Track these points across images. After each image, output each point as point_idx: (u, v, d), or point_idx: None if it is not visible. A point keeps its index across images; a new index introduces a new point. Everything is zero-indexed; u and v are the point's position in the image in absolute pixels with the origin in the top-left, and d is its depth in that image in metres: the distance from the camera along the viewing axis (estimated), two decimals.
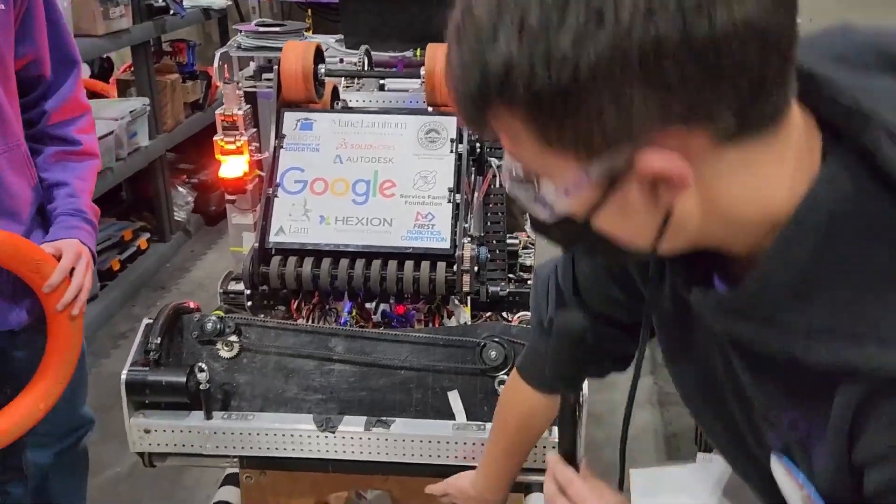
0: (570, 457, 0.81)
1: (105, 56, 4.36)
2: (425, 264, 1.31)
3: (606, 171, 0.57)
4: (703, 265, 0.68)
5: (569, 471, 0.80)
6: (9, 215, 1.32)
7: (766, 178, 0.58)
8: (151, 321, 1.29)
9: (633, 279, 0.81)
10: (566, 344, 0.78)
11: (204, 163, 4.39)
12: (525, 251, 1.89)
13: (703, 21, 0.51)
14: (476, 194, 1.61)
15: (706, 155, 0.56)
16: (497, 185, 1.71)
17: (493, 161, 1.67)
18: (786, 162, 0.59)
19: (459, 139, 1.37)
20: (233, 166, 1.62)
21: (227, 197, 1.65)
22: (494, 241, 1.73)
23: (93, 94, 3.99)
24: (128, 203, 4.07)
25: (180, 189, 4.06)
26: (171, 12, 3.57)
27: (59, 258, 1.35)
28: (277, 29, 2.12)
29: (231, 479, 1.98)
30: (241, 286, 1.61)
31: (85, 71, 4.21)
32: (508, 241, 1.78)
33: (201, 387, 1.23)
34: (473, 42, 0.56)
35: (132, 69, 3.77)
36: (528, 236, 1.93)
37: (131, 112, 3.32)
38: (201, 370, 1.23)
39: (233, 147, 1.61)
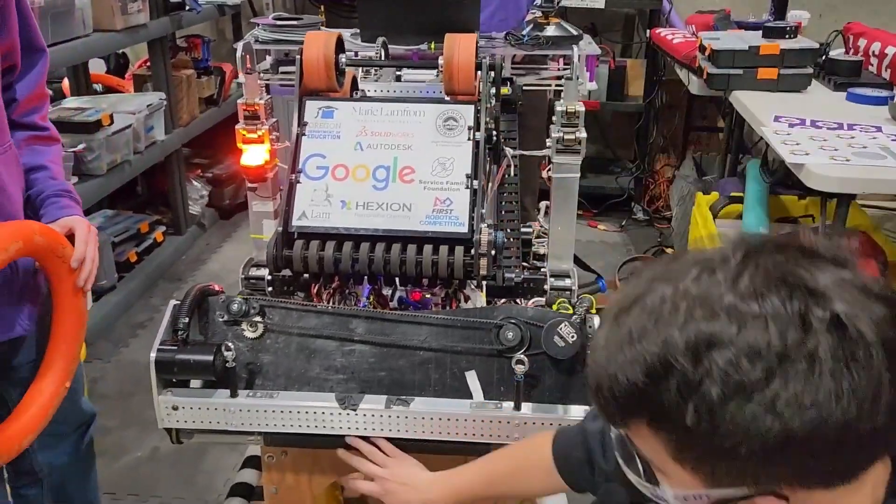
0: None
1: (120, 52, 4.42)
2: (443, 248, 1.34)
3: (725, 497, 0.67)
4: None
5: None
6: (6, 217, 1.33)
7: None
8: (179, 302, 1.33)
9: None
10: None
11: (218, 157, 4.45)
12: (538, 240, 1.92)
13: (866, 423, 0.62)
14: (491, 185, 1.64)
15: (803, 498, 0.67)
16: (511, 175, 1.75)
17: (508, 151, 1.70)
18: (862, 491, 0.70)
19: (476, 127, 1.41)
20: (254, 155, 1.65)
21: (248, 185, 1.69)
22: (509, 230, 1.76)
23: (109, 90, 4.05)
24: (143, 198, 4.13)
25: (195, 183, 4.11)
26: (187, 7, 3.62)
27: (68, 236, 1.38)
28: (295, 23, 2.16)
29: (251, 462, 2.03)
30: (262, 272, 1.66)
31: (100, 66, 4.27)
32: (522, 229, 1.82)
33: (227, 365, 1.27)
34: (638, 364, 0.65)
35: (148, 65, 3.82)
36: (542, 226, 1.96)
37: (148, 106, 3.38)
38: (228, 349, 1.27)
39: (254, 136, 1.65)
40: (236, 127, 1.66)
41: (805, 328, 0.61)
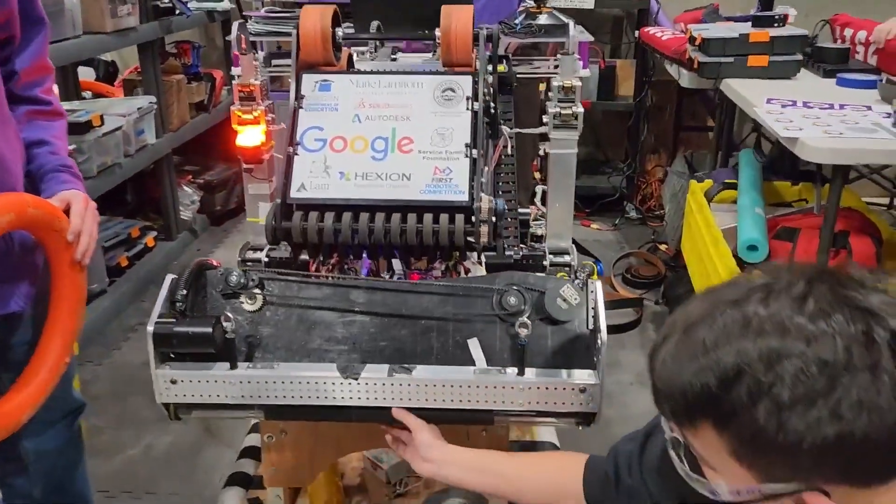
0: None
1: (110, 59, 4.42)
2: (444, 217, 1.33)
3: (775, 491, 0.75)
4: None
5: None
6: (7, 189, 1.31)
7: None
8: (176, 276, 1.31)
9: None
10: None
11: (209, 164, 4.44)
12: (536, 222, 1.92)
13: None
14: (486, 168, 1.64)
15: (843, 494, 0.74)
16: (509, 153, 1.74)
17: (505, 129, 1.70)
18: (894, 491, 0.75)
19: (475, 97, 1.41)
20: (250, 136, 1.65)
21: (245, 166, 1.68)
22: (507, 210, 1.76)
23: (98, 97, 4.04)
24: (133, 205, 4.11)
25: (186, 189, 4.10)
26: (177, 12, 3.62)
27: (66, 211, 1.36)
28: (287, 15, 2.16)
29: (249, 453, 2.00)
30: (258, 255, 1.65)
31: (90, 74, 4.26)
32: (520, 210, 1.81)
33: (227, 336, 1.26)
34: (711, 370, 0.73)
35: (138, 70, 3.82)
36: (539, 209, 1.96)
37: (139, 109, 3.36)
38: (227, 319, 1.25)
39: (249, 117, 1.64)
40: (231, 108, 1.65)
41: (868, 342, 0.70)
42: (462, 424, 1.35)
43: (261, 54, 2.31)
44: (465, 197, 1.34)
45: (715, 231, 2.23)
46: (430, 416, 1.29)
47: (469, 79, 1.42)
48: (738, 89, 2.42)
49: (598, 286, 1.31)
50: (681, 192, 3.81)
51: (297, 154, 1.38)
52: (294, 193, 1.36)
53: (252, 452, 1.97)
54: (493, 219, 1.34)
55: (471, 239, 1.34)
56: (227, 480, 1.87)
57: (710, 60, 2.55)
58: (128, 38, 3.28)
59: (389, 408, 1.28)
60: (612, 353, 2.92)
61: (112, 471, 2.30)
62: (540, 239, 1.84)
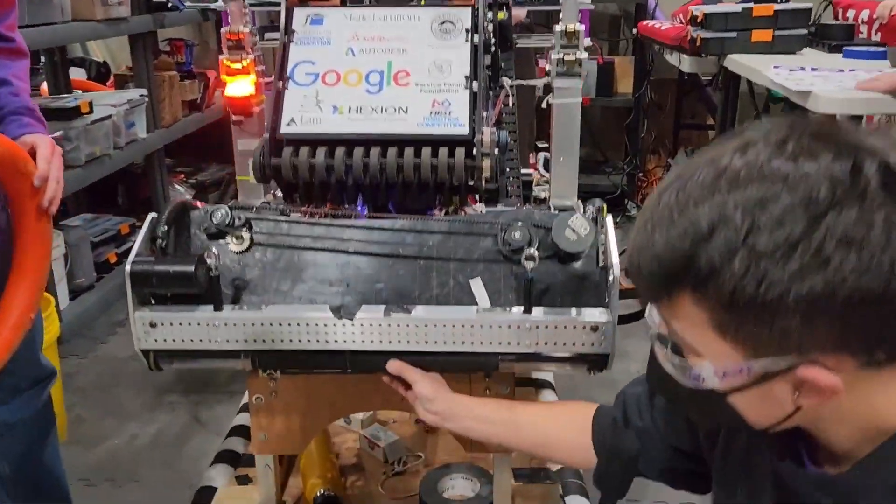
0: None
1: (102, 60, 4.37)
2: (443, 150, 1.25)
3: (766, 368, 0.66)
4: (793, 443, 0.76)
5: None
6: None
7: (892, 395, 0.67)
8: (156, 214, 1.23)
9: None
10: (617, 462, 1.03)
11: (202, 165, 4.38)
12: (539, 187, 1.84)
13: None
14: (487, 114, 1.56)
15: (850, 374, 0.65)
16: (511, 106, 1.67)
17: (506, 80, 1.62)
18: None
19: (475, 30, 1.33)
20: (239, 86, 1.57)
21: (233, 118, 1.59)
22: (508, 169, 1.68)
23: None
24: (124, 206, 4.04)
25: (178, 187, 4.02)
26: (170, 5, 3.57)
27: (31, 154, 1.28)
28: None
29: (237, 431, 1.90)
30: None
31: (81, 73, 4.21)
32: (522, 170, 1.73)
33: (211, 274, 1.17)
34: (683, 231, 0.64)
35: (130, 68, 3.76)
36: (542, 175, 1.88)
37: (129, 101, 3.30)
38: (210, 257, 1.17)
39: (238, 66, 1.56)
40: (220, 58, 1.58)
41: (855, 177, 0.61)
42: (465, 373, 1.26)
43: (254, 28, 2.23)
44: (465, 130, 1.26)
45: None
46: (430, 361, 1.20)
47: (468, 11, 1.35)
48: (744, 62, 2.36)
49: (608, 221, 1.23)
50: None
51: (287, 88, 1.31)
52: (284, 128, 1.28)
53: (241, 431, 1.86)
54: (496, 151, 1.26)
55: (471, 182, 1.26)
56: (215, 458, 1.76)
57: (713, 36, 2.50)
58: (118, 27, 3.23)
59: (387, 352, 1.19)
60: (617, 342, 2.82)
61: (94, 460, 2.19)
62: (543, 202, 1.76)
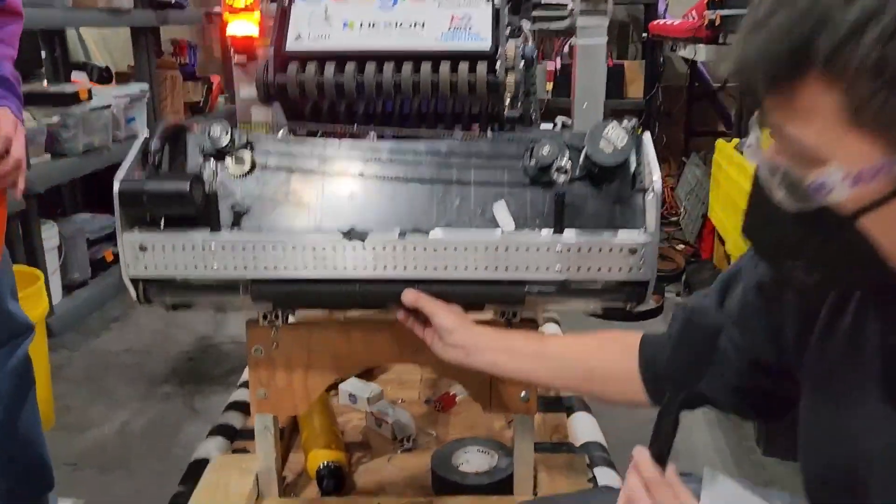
0: (660, 459, 0.74)
1: (104, 66, 4.31)
2: (463, 66, 1.15)
3: None
4: None
5: (656, 471, 0.73)
6: None
7: None
8: (150, 132, 1.12)
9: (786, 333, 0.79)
10: (693, 338, 0.84)
11: None
12: None
13: None
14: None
15: None
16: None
17: (525, 24, 1.53)
18: None
19: None
20: (242, 25, 1.48)
21: (236, 60, 1.50)
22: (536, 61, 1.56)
23: None
24: None
25: None
26: (173, 1, 3.52)
27: None
28: None
29: (235, 406, 1.76)
30: None
31: (83, 77, 4.14)
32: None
33: (208, 192, 1.05)
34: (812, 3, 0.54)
35: (132, 67, 3.70)
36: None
37: (129, 95, 3.21)
38: (207, 173, 1.06)
39: (241, 4, 1.48)
40: None
41: None
42: (488, 305, 1.14)
43: None
44: (487, 44, 1.16)
45: (751, 170, 2.05)
46: (449, 291, 1.07)
47: None
48: None
49: (647, 137, 1.12)
50: (697, 187, 3.65)
51: (293, 3, 1.21)
52: (290, 45, 1.18)
53: (240, 406, 1.73)
54: (522, 65, 1.16)
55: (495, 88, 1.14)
56: (210, 432, 1.63)
57: (733, 13, 2.41)
58: (119, 18, 3.17)
59: (402, 281, 1.07)
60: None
61: (82, 445, 2.05)
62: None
